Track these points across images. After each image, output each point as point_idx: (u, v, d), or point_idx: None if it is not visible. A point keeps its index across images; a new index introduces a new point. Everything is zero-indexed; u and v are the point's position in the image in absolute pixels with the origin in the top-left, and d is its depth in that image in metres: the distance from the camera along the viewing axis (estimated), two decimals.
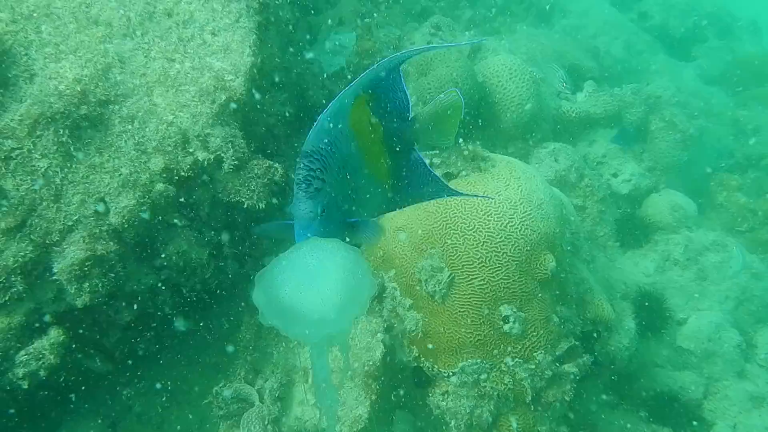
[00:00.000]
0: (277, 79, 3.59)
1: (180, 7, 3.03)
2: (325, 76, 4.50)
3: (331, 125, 2.12)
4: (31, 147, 2.55)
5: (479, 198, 3.19)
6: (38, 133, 2.55)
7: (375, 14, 6.27)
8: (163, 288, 3.13)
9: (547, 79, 5.04)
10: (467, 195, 2.84)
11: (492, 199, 3.17)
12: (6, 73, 2.55)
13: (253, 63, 3.10)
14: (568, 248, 3.35)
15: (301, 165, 2.05)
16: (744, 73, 8.23)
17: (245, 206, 3.07)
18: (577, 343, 3.13)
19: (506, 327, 2.99)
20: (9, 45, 2.57)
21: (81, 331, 2.91)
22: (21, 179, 2.55)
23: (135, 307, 3.04)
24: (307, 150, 2.02)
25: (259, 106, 3.30)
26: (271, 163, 3.12)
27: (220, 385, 3.41)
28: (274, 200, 3.17)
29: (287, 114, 3.70)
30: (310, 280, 2.37)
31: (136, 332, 3.20)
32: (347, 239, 2.13)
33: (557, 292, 3.16)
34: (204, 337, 3.59)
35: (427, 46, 2.25)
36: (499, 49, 5.65)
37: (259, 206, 3.07)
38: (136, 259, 2.93)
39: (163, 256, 3.01)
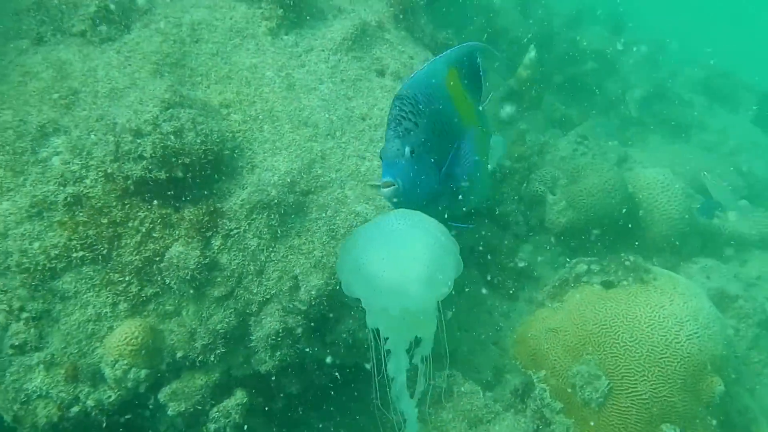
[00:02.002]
0: None
1: (373, 112, 3.42)
2: None
3: (427, 79, 2.26)
4: (246, 228, 2.92)
5: (641, 309, 3.22)
6: (254, 216, 2.92)
7: (519, 121, 6.59)
8: (329, 362, 3.36)
9: (711, 191, 5.02)
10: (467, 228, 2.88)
11: None
12: (236, 164, 2.98)
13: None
14: (733, 375, 3.27)
15: (395, 105, 2.18)
16: None
17: None
18: None
19: None
20: (239, 141, 3.02)
21: (255, 394, 3.18)
22: (234, 255, 2.91)
23: (303, 378, 3.28)
24: (401, 93, 2.15)
25: None
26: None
27: None
28: None
29: None
30: (395, 246, 2.35)
31: (299, 401, 3.42)
32: (437, 186, 2.17)
33: (722, 418, 3.08)
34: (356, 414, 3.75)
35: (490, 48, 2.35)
36: (645, 161, 5.73)
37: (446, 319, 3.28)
38: (313, 333, 3.19)
39: (334, 333, 3.25)
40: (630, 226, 4.75)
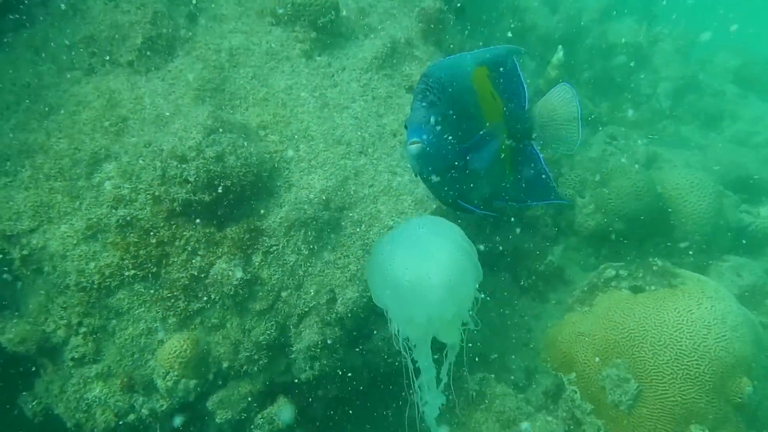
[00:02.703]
0: None
1: (403, 129, 3.54)
2: None
3: (452, 67, 2.39)
4: (285, 244, 3.09)
5: (668, 314, 3.30)
6: (292, 233, 3.08)
7: None
8: (365, 369, 3.51)
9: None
10: (563, 201, 2.91)
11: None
12: (274, 183, 3.14)
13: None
14: (762, 372, 3.33)
15: (421, 81, 2.35)
16: None
17: None
18: None
19: None
20: (277, 161, 3.18)
21: (295, 399, 3.35)
22: (274, 270, 3.07)
23: (340, 384, 3.44)
24: (427, 72, 2.31)
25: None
26: (478, 293, 3.47)
27: None
28: None
29: None
30: (417, 255, 2.44)
31: (337, 405, 3.58)
32: (458, 163, 2.28)
33: (751, 417, 3.15)
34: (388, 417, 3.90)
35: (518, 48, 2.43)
36: (675, 160, 5.74)
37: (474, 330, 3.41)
38: (349, 342, 3.35)
39: (370, 342, 3.40)
40: (659, 227, 4.79)
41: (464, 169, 2.50)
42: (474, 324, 3.05)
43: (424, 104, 2.27)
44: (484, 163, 2.57)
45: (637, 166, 4.87)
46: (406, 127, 2.34)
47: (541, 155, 2.84)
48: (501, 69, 2.64)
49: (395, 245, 2.62)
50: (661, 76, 8.64)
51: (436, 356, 2.93)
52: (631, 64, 8.17)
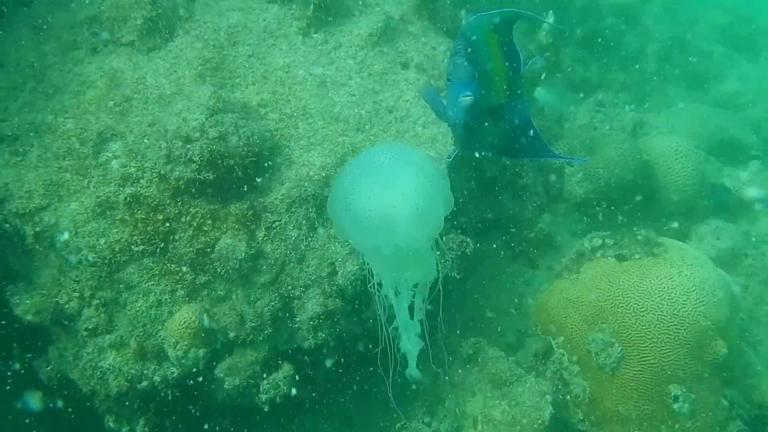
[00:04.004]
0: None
1: (399, 104, 3.65)
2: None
3: (479, 30, 2.62)
4: (287, 220, 3.22)
5: (651, 282, 3.49)
6: (293, 210, 3.21)
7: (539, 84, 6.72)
8: (365, 335, 3.69)
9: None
10: (564, 158, 3.09)
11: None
12: (275, 160, 3.25)
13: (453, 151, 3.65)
14: (737, 336, 3.55)
15: (458, 40, 2.59)
16: None
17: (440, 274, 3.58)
18: (745, 427, 3.32)
19: (675, 406, 3.25)
20: (277, 139, 3.29)
21: (300, 365, 3.53)
22: (277, 245, 3.21)
23: (341, 350, 3.62)
24: (464, 31, 2.54)
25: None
26: (464, 237, 3.63)
27: (401, 423, 3.90)
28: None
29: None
30: (382, 183, 2.22)
31: (337, 369, 3.77)
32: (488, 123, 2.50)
33: (725, 375, 3.38)
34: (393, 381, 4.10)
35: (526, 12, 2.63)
36: (661, 126, 5.88)
37: (452, 274, 3.58)
38: (350, 311, 3.52)
39: (369, 310, 3.57)
40: (645, 194, 4.96)
41: (491, 121, 2.72)
42: (445, 262, 3.09)
43: (468, 57, 2.45)
44: (511, 121, 2.79)
45: (623, 134, 5.00)
46: (449, 80, 2.51)
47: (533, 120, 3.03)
48: (506, 34, 2.80)
49: (357, 174, 2.40)
50: (650, 36, 8.70)
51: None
52: (622, 26, 8.20)
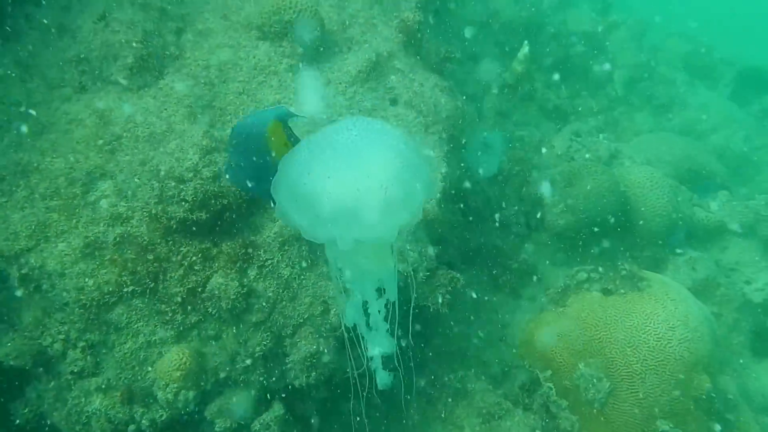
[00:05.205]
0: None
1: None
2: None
3: (251, 125, 2.68)
4: (280, 258, 3.20)
5: (637, 318, 3.56)
6: (286, 248, 3.20)
7: (514, 112, 6.86)
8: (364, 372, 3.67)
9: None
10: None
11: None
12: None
13: (443, 187, 3.69)
14: (717, 367, 3.64)
15: (233, 131, 2.62)
16: None
17: (431, 309, 3.60)
18: None
19: None
20: None
21: (289, 403, 3.50)
22: (269, 283, 3.19)
23: (330, 386, 3.60)
24: (234, 127, 2.58)
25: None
26: (454, 273, 3.66)
27: None
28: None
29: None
30: (345, 162, 1.77)
31: (330, 406, 3.74)
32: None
33: (709, 408, 3.46)
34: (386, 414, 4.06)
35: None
36: (635, 155, 6.03)
37: (442, 311, 3.60)
38: (341, 350, 3.50)
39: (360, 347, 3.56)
40: (623, 224, 5.08)
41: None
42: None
43: (232, 144, 2.54)
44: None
45: (601, 166, 5.12)
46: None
47: None
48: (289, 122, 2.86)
49: (316, 152, 1.99)
50: (617, 64, 8.95)
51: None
52: (590, 52, 8.43)
